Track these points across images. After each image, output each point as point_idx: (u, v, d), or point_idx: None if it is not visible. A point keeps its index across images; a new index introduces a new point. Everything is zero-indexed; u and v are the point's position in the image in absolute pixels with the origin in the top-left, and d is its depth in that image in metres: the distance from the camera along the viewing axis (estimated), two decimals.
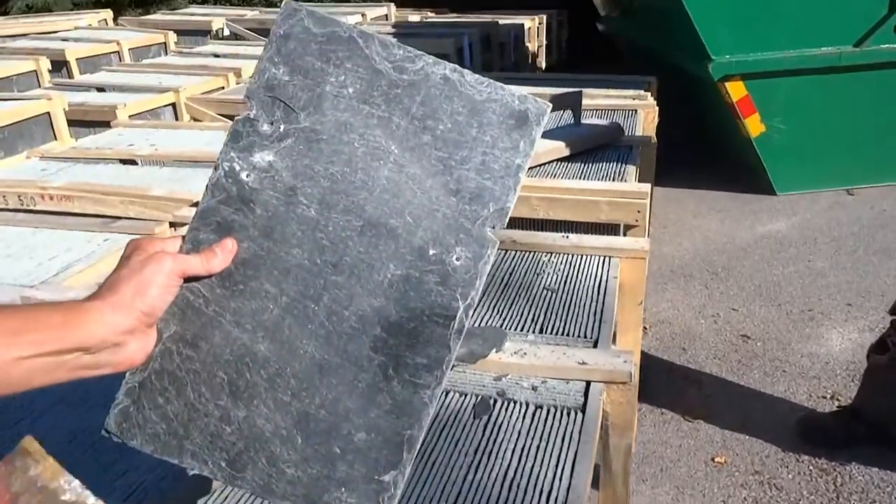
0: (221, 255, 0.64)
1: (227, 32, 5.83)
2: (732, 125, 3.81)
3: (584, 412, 1.04)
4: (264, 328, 0.65)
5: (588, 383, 1.10)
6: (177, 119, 3.33)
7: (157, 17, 6.40)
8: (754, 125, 3.74)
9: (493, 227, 0.65)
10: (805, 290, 2.95)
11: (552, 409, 1.05)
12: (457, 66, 0.66)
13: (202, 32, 5.81)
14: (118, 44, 4.69)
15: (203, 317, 0.65)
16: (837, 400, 2.26)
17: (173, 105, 3.36)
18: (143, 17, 6.58)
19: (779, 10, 3.51)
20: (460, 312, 0.64)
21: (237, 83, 3.62)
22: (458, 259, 0.64)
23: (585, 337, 1.23)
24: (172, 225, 1.87)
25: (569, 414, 1.04)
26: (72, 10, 8.20)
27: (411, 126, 0.65)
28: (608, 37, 5.81)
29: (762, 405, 2.27)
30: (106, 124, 2.91)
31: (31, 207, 2.02)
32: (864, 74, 3.65)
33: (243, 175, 0.65)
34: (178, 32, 5.48)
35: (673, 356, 2.55)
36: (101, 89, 3.59)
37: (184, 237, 0.66)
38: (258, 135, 0.66)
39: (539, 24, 6.14)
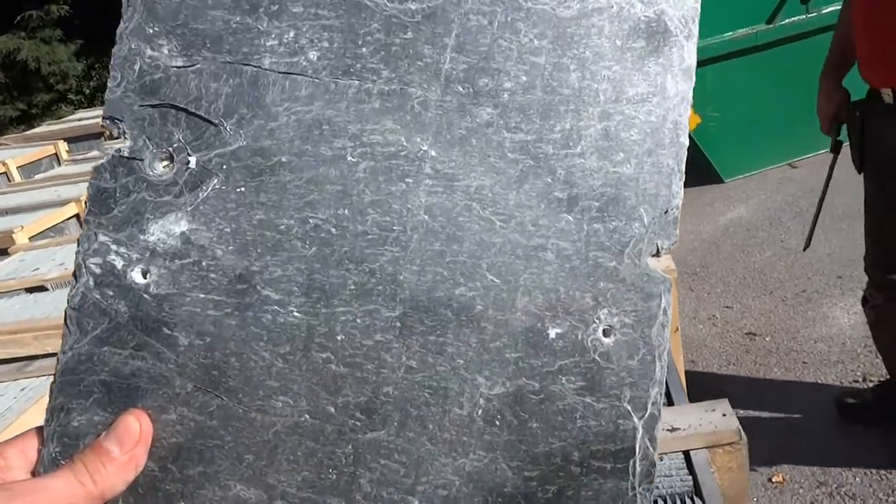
0: (122, 454, 0.34)
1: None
2: None
3: (700, 496, 0.79)
4: None
5: (686, 453, 0.85)
6: None
7: (42, 129, 5.97)
8: (690, 118, 3.67)
9: (658, 253, 0.36)
10: (791, 272, 2.82)
11: (660, 502, 0.79)
12: None
13: (94, 136, 5.43)
14: (4, 164, 4.29)
15: None
16: (870, 381, 2.09)
17: (77, 217, 3.02)
18: (27, 133, 6.14)
19: None
20: (640, 437, 0.35)
21: None
22: (608, 333, 0.36)
23: None
24: None
25: (683, 503, 0.79)
26: None
27: (450, 97, 0.36)
28: None
29: (797, 405, 2.07)
30: (3, 252, 2.56)
31: None
32: (781, 49, 3.65)
33: (135, 274, 0.35)
34: (69, 140, 5.11)
35: (686, 370, 2.34)
36: None
37: (41, 431, 0.35)
38: (148, 186, 0.36)
39: None
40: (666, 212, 0.36)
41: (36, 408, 1.36)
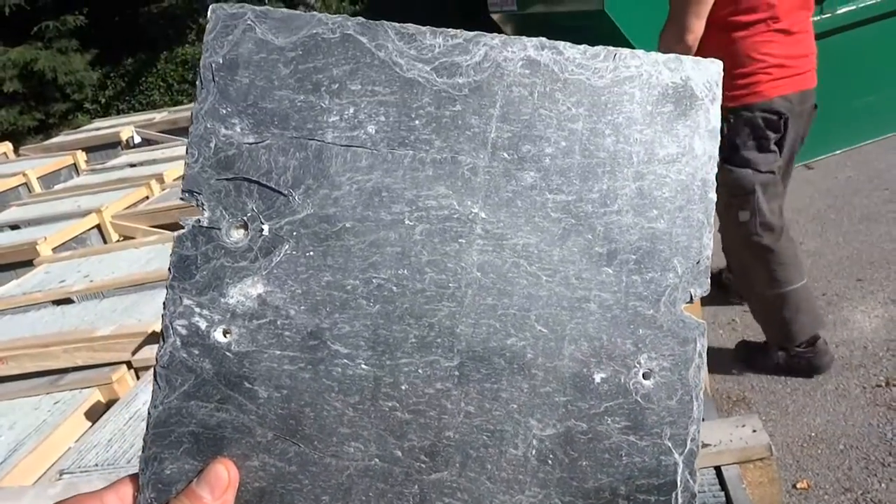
0: (213, 499, 0.37)
1: (138, 140, 5.54)
2: None
3: None
4: None
5: (718, 469, 0.86)
6: (105, 242, 3.02)
7: (60, 139, 6.05)
8: None
9: (691, 300, 0.39)
10: (810, 275, 2.81)
11: None
12: (543, 38, 0.40)
13: (112, 145, 5.49)
14: (24, 175, 4.34)
15: None
16: (894, 386, 2.08)
17: (98, 227, 3.06)
18: (45, 143, 6.22)
19: None
20: (681, 471, 0.38)
21: (162, 190, 3.34)
22: (648, 376, 0.38)
23: None
24: (131, 367, 1.59)
25: None
26: None
27: (497, 163, 0.39)
28: None
29: (820, 411, 2.07)
30: (28, 264, 2.60)
31: None
32: None
33: (217, 334, 0.38)
34: (87, 150, 5.18)
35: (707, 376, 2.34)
36: (14, 227, 3.25)
37: (136, 478, 0.38)
38: (226, 253, 0.38)
39: None
40: (698, 262, 0.39)
41: (71, 421, 1.38)
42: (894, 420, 1.95)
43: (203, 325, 0.38)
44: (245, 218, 0.39)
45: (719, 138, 0.39)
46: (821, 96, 3.76)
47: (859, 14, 3.63)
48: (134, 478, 0.38)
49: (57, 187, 4.09)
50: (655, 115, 0.39)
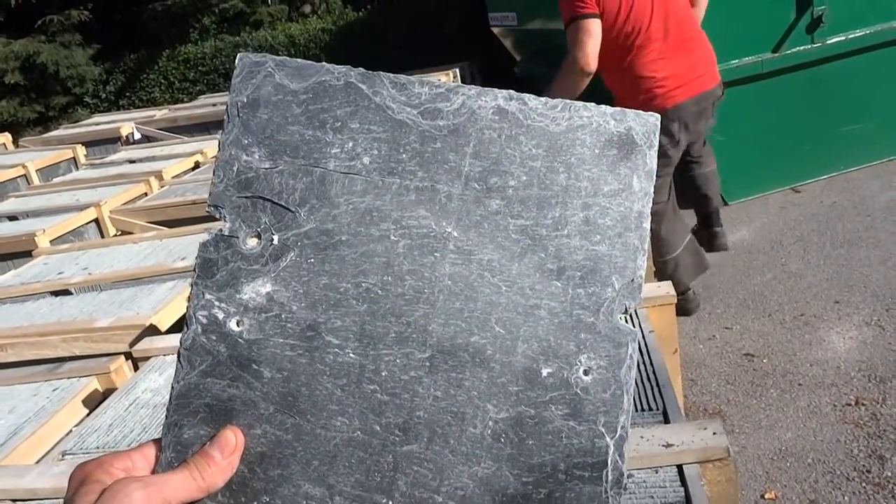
0: (223, 459, 0.43)
1: (137, 136, 5.59)
2: None
3: None
4: None
5: (680, 467, 0.93)
6: (102, 236, 3.06)
7: (60, 132, 6.09)
8: None
9: (626, 311, 0.46)
10: (790, 296, 2.90)
11: None
12: (512, 91, 0.48)
13: (111, 140, 5.54)
14: (23, 166, 4.38)
15: None
16: (863, 405, 2.16)
17: (96, 221, 3.11)
18: (45, 135, 6.26)
19: None
20: (612, 453, 0.44)
21: (161, 187, 3.39)
22: (587, 373, 0.45)
23: (650, 409, 1.07)
24: (129, 357, 1.64)
25: None
26: None
27: (468, 192, 0.46)
28: (527, 80, 5.86)
29: (791, 426, 2.14)
30: (27, 255, 2.64)
31: None
32: (787, 77, 3.73)
33: (232, 324, 0.45)
34: (87, 144, 5.21)
35: (685, 389, 2.41)
36: (13, 218, 3.29)
37: (158, 441, 0.45)
38: (242, 257, 0.46)
39: (454, 78, 6.14)
40: (632, 280, 0.46)
41: (69, 407, 1.43)
42: (861, 437, 2.03)
43: (220, 315, 0.45)
44: (259, 229, 0.46)
45: (654, 178, 0.47)
46: (810, 122, 3.87)
47: (849, 45, 3.73)
48: (157, 441, 0.45)
49: (56, 180, 4.12)
50: (602, 157, 0.47)
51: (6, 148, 5.75)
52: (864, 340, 2.45)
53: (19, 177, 4.38)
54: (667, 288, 1.37)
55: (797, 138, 3.93)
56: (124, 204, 3.17)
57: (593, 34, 2.35)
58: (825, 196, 3.87)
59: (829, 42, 3.69)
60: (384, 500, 0.44)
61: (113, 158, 4.47)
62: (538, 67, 5.48)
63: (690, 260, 2.78)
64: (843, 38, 3.71)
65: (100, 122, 6.30)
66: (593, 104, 0.47)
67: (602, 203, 0.46)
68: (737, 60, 3.64)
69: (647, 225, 0.46)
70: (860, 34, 3.72)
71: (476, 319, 0.45)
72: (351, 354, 0.45)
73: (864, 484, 1.87)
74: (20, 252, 2.78)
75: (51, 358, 1.74)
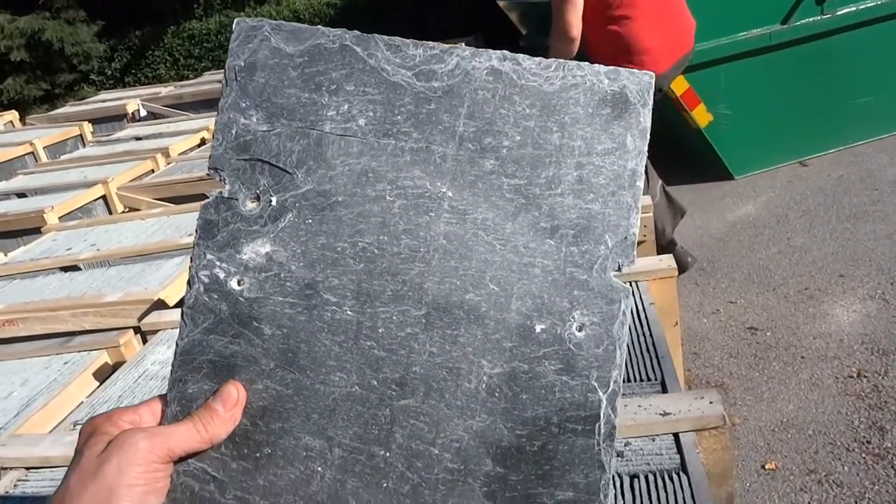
0: (225, 412, 0.45)
1: (144, 113, 5.59)
2: (681, 119, 3.78)
3: (686, 473, 0.89)
4: None
5: (676, 435, 0.95)
6: (110, 212, 3.09)
7: (67, 109, 6.09)
8: (702, 115, 3.72)
9: (620, 269, 0.46)
10: (794, 270, 2.90)
11: (650, 476, 0.89)
12: (506, 51, 0.48)
13: (118, 118, 5.55)
14: (31, 144, 4.40)
15: None
16: (865, 377, 2.17)
17: (104, 198, 3.13)
18: (52, 113, 6.27)
19: (706, 1, 3.52)
20: (604, 407, 0.45)
21: (167, 164, 3.40)
22: (580, 329, 0.46)
23: (649, 379, 1.08)
24: (138, 331, 1.67)
25: (671, 478, 0.88)
26: None
27: (463, 152, 0.47)
28: (534, 52, 5.81)
29: (793, 398, 2.16)
30: (35, 231, 2.67)
31: None
32: (795, 49, 3.69)
33: (233, 283, 0.46)
34: (93, 121, 5.22)
35: (688, 362, 2.43)
36: (21, 195, 3.32)
37: (164, 397, 0.46)
38: (241, 219, 0.47)
39: None
40: (625, 238, 0.47)
41: (80, 380, 1.46)
42: (862, 409, 2.05)
43: (222, 275, 0.47)
44: (258, 191, 0.47)
45: (648, 136, 0.47)
46: (819, 95, 3.83)
47: (859, 16, 3.67)
48: (163, 397, 0.47)
49: (63, 157, 4.15)
50: (595, 116, 0.47)
51: (13, 125, 5.77)
52: (867, 314, 2.45)
53: (27, 154, 4.40)
54: (668, 261, 1.38)
55: (806, 111, 3.90)
56: (131, 181, 3.19)
57: (574, 1, 2.45)
58: (832, 170, 3.85)
59: (838, 13, 3.64)
60: (382, 452, 0.45)
61: (119, 135, 4.49)
62: (543, 40, 5.43)
63: (665, 203, 2.83)
64: (854, 8, 3.66)
65: (106, 100, 6.30)
66: (587, 63, 0.48)
67: (595, 162, 0.47)
68: (745, 32, 3.60)
69: (641, 183, 0.47)
70: (870, 5, 3.67)
71: (471, 277, 0.46)
72: (348, 312, 0.46)
73: (863, 454, 1.89)
74: (29, 229, 2.81)
75: (61, 332, 1.77)
